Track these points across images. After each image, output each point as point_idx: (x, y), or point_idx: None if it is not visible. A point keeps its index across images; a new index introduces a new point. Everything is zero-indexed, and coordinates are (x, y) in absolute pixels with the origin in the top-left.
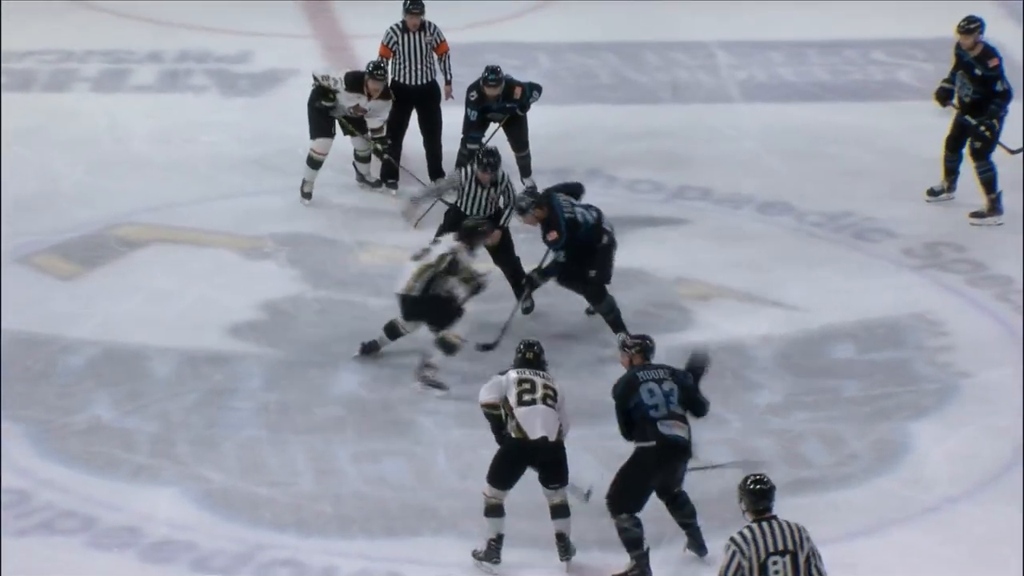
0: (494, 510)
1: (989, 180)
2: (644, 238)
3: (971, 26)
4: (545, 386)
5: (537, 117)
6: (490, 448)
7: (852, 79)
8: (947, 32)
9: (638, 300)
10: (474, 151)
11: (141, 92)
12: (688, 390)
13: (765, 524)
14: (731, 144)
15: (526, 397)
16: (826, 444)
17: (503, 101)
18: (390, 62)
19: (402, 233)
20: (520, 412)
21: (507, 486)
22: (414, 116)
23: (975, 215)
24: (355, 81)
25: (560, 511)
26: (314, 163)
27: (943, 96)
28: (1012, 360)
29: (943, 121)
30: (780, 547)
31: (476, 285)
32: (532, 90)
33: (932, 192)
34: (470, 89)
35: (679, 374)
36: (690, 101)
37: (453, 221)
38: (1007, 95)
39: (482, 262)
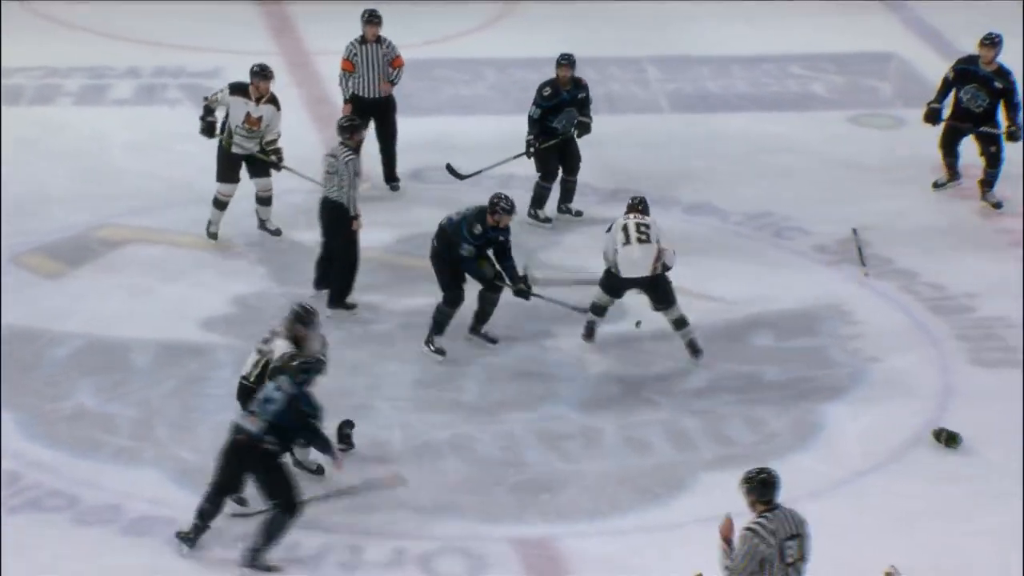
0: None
1: (993, 182)
2: (582, 236)
3: (995, 40)
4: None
5: (485, 126)
6: (444, 430)
7: (771, 91)
8: (857, 47)
9: (578, 293)
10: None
11: (120, 105)
12: (297, 407)
13: (776, 513)
14: (661, 151)
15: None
16: (748, 424)
17: (574, 90)
18: (351, 75)
19: (361, 234)
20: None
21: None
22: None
23: (997, 206)
24: (239, 86)
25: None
26: (219, 204)
27: (933, 116)
28: (915, 346)
29: (853, 129)
30: (791, 532)
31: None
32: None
33: (937, 184)
34: (542, 86)
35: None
36: (624, 112)
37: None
38: (1020, 108)
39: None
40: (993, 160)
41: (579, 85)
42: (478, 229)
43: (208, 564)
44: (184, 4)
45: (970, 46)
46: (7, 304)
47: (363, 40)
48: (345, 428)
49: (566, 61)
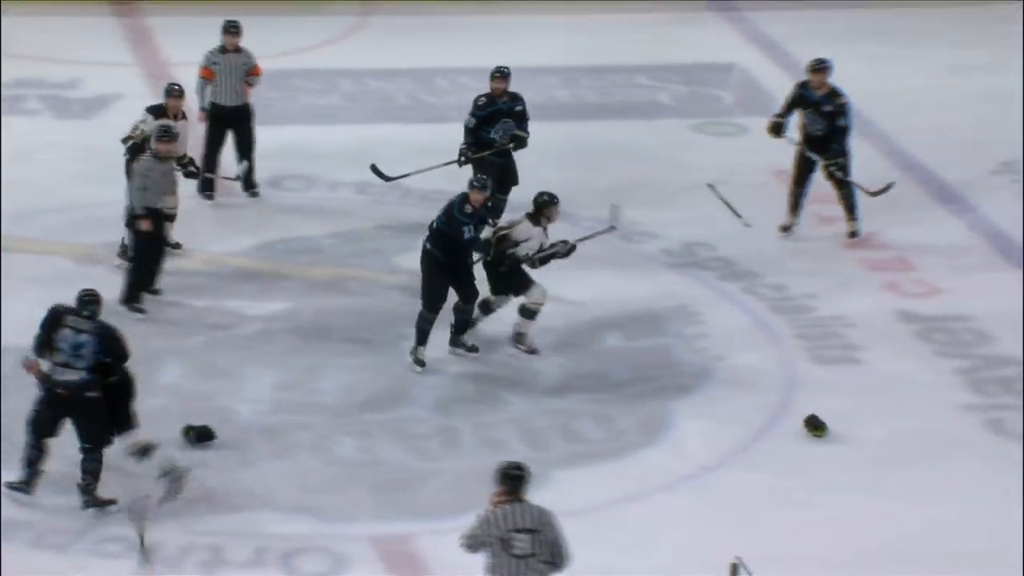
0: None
1: (852, 205)
2: None
3: (821, 66)
4: None
5: (340, 135)
6: (303, 432)
7: (617, 100)
8: (699, 58)
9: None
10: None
11: None
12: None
13: (514, 505)
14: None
15: None
16: (598, 422)
17: (510, 102)
18: (210, 83)
19: (221, 241)
20: None
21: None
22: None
23: (852, 235)
24: (158, 108)
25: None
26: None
27: (777, 129)
28: (759, 345)
29: (696, 136)
30: (523, 525)
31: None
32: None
33: (785, 228)
34: (478, 97)
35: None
36: None
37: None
38: (848, 131)
39: None
40: (839, 185)
41: (515, 98)
42: (469, 208)
43: (73, 564)
44: (41, 17)
45: (807, 55)
46: None
47: (223, 49)
48: (190, 433)
49: (500, 74)
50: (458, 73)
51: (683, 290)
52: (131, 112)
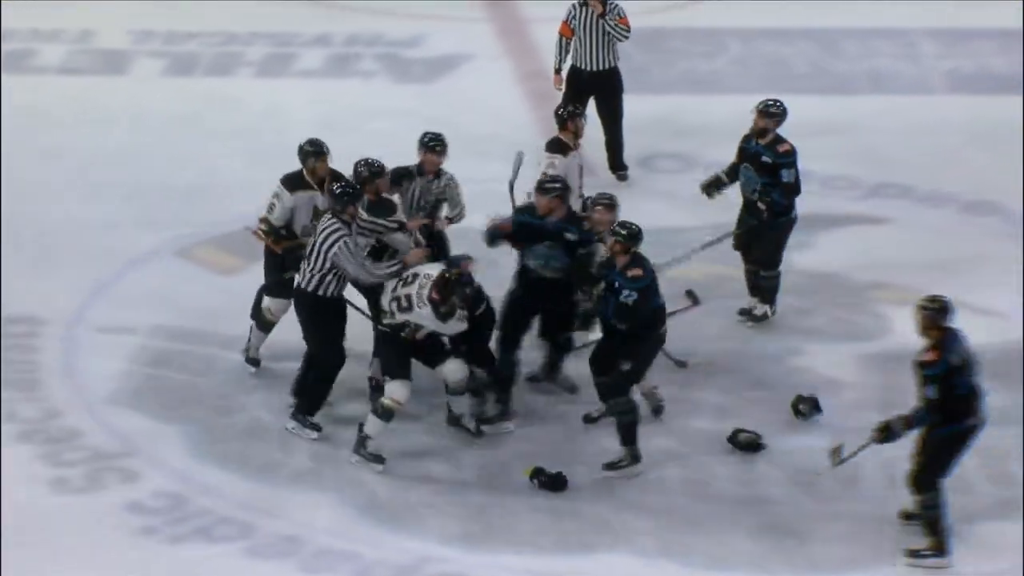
0: None
1: None
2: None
3: None
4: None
5: (723, 107)
6: (678, 463)
7: None
8: None
9: None
10: None
11: (306, 77)
12: None
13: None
14: None
15: None
16: None
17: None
18: (571, 41)
19: None
20: None
21: None
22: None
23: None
24: None
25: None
26: None
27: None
28: None
29: None
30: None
31: None
32: None
33: None
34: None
35: None
36: None
37: None
38: None
39: None
40: None
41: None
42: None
43: None
44: None
45: None
46: (174, 303)
47: (584, 3)
48: (535, 479)
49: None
50: (871, 35)
51: None
52: (482, 75)
